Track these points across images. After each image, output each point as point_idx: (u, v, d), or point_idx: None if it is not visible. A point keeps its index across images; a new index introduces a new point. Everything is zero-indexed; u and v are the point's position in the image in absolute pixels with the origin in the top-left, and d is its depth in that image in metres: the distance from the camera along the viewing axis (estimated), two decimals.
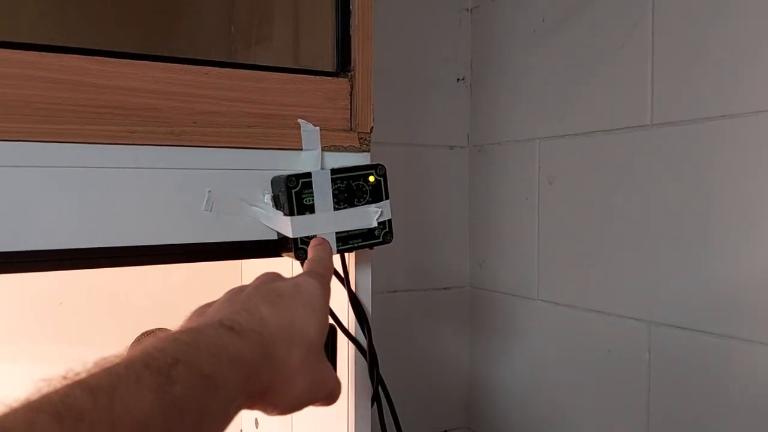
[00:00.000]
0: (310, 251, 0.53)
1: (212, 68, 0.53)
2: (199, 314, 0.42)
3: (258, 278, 0.45)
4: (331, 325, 0.48)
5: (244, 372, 0.34)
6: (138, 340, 0.71)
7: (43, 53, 0.47)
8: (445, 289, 1.10)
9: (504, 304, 1.04)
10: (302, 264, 0.58)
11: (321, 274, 0.47)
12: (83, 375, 0.29)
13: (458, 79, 1.09)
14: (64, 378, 0.29)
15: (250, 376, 0.35)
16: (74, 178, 0.46)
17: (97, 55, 0.48)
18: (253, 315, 0.38)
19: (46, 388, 0.28)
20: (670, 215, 0.77)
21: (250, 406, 0.37)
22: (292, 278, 0.45)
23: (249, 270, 0.83)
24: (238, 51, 0.69)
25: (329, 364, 0.43)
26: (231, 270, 0.80)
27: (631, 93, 0.82)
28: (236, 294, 0.42)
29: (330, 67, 0.60)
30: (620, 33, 0.83)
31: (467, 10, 1.09)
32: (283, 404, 0.39)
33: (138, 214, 0.49)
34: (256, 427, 0.82)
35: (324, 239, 0.55)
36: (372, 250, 0.61)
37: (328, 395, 0.42)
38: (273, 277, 0.45)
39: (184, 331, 0.34)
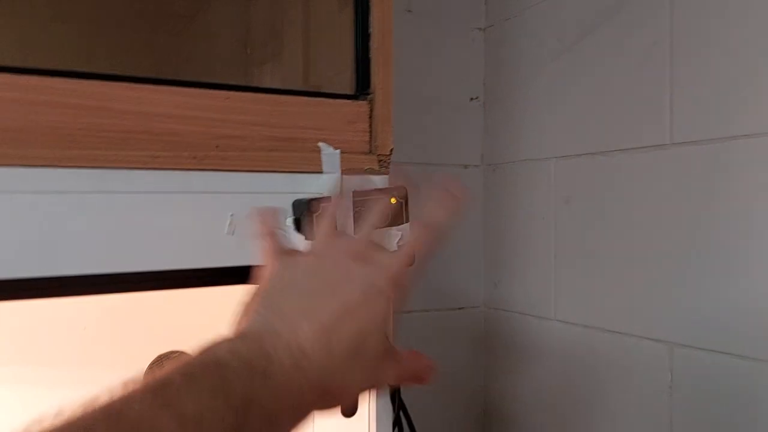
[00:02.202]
0: (415, 231, 0.41)
1: (233, 92, 0.53)
2: (280, 277, 0.39)
3: (336, 235, 0.40)
4: None
5: (302, 412, 0.34)
6: (153, 363, 0.70)
7: (67, 79, 0.47)
8: (459, 309, 1.09)
9: (519, 324, 1.03)
10: None
11: (406, 281, 0.39)
12: (162, 388, 0.29)
13: (471, 99, 1.09)
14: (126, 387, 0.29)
15: (305, 414, 0.35)
16: (99, 204, 0.46)
17: (120, 81, 0.48)
18: (319, 341, 0.35)
19: (122, 394, 0.28)
20: (691, 235, 0.77)
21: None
22: (377, 275, 0.37)
23: None
24: (255, 75, 0.69)
25: (391, 358, 0.39)
26: (242, 296, 0.80)
27: (649, 112, 0.81)
28: (309, 270, 0.38)
29: (349, 90, 0.60)
30: (638, 52, 0.83)
31: (480, 29, 1.10)
32: (329, 409, 0.37)
33: (161, 239, 0.49)
34: None
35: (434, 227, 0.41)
36: None
37: (391, 383, 0.41)
38: (354, 256, 0.38)
39: (255, 349, 0.33)
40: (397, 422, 0.61)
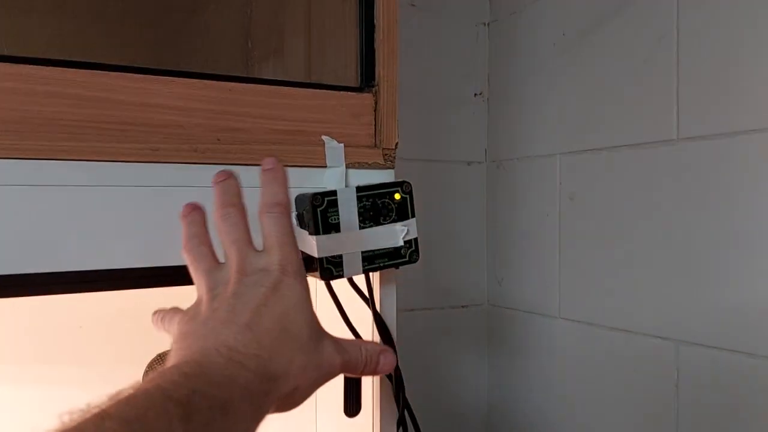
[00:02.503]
0: (265, 224, 0.44)
1: (236, 84, 0.51)
2: (188, 324, 0.41)
3: (214, 281, 0.42)
4: None
5: (255, 402, 0.35)
6: (152, 363, 0.69)
7: (66, 69, 0.45)
8: (463, 307, 1.08)
9: (524, 322, 1.02)
10: (327, 283, 0.56)
11: (292, 263, 0.42)
12: (104, 407, 0.29)
13: (476, 94, 1.08)
14: (86, 411, 0.29)
15: (261, 405, 0.36)
16: (98, 197, 0.45)
17: (120, 71, 0.47)
18: (245, 336, 0.38)
19: (71, 422, 0.28)
20: (698, 231, 0.75)
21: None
22: (266, 275, 0.41)
23: None
24: (259, 66, 0.68)
25: (330, 343, 0.42)
26: None
27: (656, 107, 0.80)
28: (209, 309, 0.41)
29: (354, 82, 0.59)
30: (644, 46, 0.82)
31: (485, 24, 1.09)
32: (294, 404, 0.40)
33: (161, 234, 0.47)
34: None
35: (228, 175, 0.45)
36: (397, 270, 0.60)
37: (341, 370, 0.43)
38: (238, 280, 0.41)
39: (186, 365, 0.35)
40: (401, 422, 0.60)
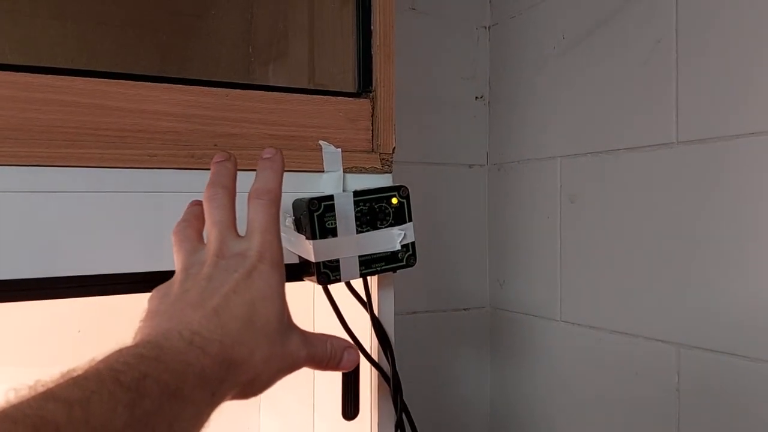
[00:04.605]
0: (251, 209, 0.44)
1: (232, 90, 0.52)
2: (158, 302, 0.41)
3: (191, 261, 0.42)
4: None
5: (210, 388, 0.35)
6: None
7: (64, 77, 0.46)
8: (464, 310, 1.08)
9: (525, 325, 1.02)
10: (325, 287, 0.57)
11: (270, 251, 0.42)
12: (52, 386, 0.29)
13: (477, 98, 1.09)
14: (33, 388, 0.29)
15: (215, 391, 0.35)
16: (95, 203, 0.45)
17: (117, 78, 0.48)
18: (211, 321, 0.37)
19: (15, 399, 0.28)
20: (699, 234, 0.75)
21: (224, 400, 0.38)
22: (241, 260, 0.41)
23: None
24: (257, 72, 0.68)
25: (297, 336, 0.42)
26: None
27: (655, 110, 0.80)
28: (180, 289, 0.41)
29: (351, 87, 0.59)
30: (643, 49, 0.82)
31: (485, 27, 1.09)
32: (253, 393, 0.40)
33: (159, 239, 0.48)
34: None
35: (227, 157, 0.46)
36: (395, 273, 0.60)
37: (305, 363, 0.42)
38: (214, 263, 0.41)
39: (145, 345, 0.34)
40: (399, 425, 0.60)
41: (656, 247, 0.81)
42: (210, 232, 0.43)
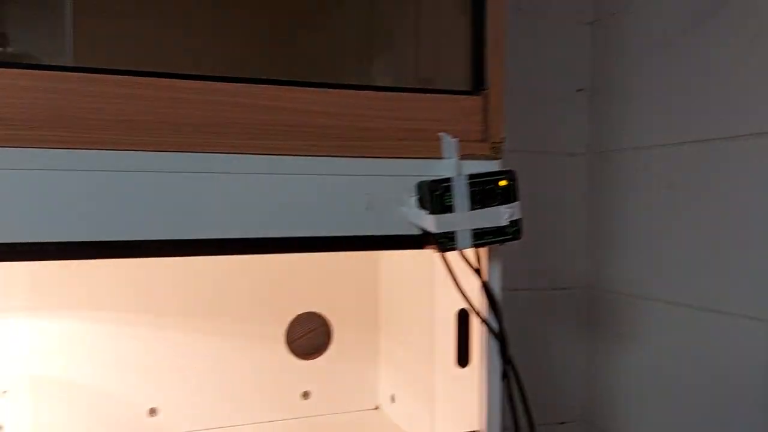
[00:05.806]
0: None
1: (374, 92, 0.64)
2: None
3: None
4: (466, 309, 0.57)
5: None
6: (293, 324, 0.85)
7: (250, 85, 0.60)
8: (564, 289, 1.16)
9: (622, 304, 1.08)
10: (442, 255, 0.68)
11: None
12: None
13: (578, 90, 1.15)
14: None
15: None
16: (271, 184, 0.60)
17: (284, 85, 0.61)
18: None
19: None
20: None
21: None
22: None
23: (387, 264, 0.94)
24: (380, 74, 0.81)
25: None
26: (366, 265, 0.94)
27: (754, 102, 0.84)
28: None
29: (467, 86, 0.70)
30: (744, 42, 0.86)
31: (588, 23, 1.15)
32: None
33: (317, 210, 0.61)
34: (392, 402, 0.93)
35: None
36: (501, 246, 0.70)
37: None
38: None
39: None
40: (505, 375, 0.71)
41: (751, 231, 0.85)
42: None
